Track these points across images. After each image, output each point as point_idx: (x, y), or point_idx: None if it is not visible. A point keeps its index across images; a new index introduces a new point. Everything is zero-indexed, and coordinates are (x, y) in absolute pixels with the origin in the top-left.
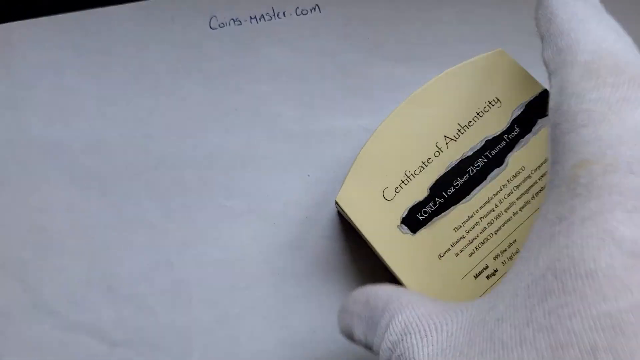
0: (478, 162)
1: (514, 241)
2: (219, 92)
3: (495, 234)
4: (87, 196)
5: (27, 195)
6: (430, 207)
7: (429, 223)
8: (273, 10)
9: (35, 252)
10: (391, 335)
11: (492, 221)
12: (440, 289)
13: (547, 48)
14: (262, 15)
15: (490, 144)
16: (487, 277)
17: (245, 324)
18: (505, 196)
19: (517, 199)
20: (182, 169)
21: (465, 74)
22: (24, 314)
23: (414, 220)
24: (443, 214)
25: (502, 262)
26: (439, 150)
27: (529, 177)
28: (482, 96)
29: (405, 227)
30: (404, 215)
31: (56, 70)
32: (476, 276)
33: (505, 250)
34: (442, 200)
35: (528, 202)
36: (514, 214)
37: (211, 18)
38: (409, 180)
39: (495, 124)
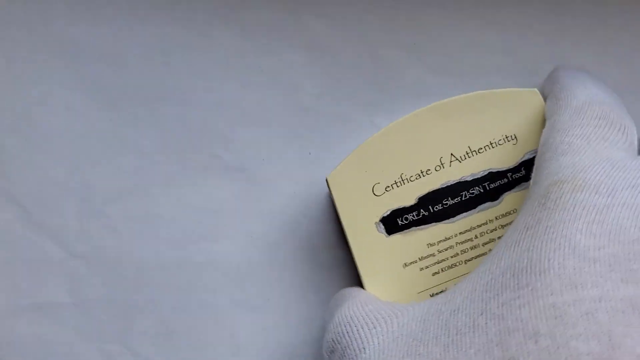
0: (474, 190)
1: None
2: (251, 46)
3: (465, 263)
4: (90, 105)
5: (29, 84)
6: (413, 216)
7: (406, 230)
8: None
9: (21, 142)
10: (336, 327)
11: (466, 250)
12: (393, 295)
13: (549, 101)
14: None
15: (492, 176)
16: None
17: (204, 274)
18: (488, 231)
19: (499, 237)
20: (188, 107)
21: (493, 101)
22: None
23: (393, 222)
24: (422, 226)
25: None
26: (441, 166)
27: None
28: (501, 128)
29: (382, 227)
30: (385, 215)
31: None
32: (432, 295)
33: None
34: (426, 213)
35: None
36: (490, 250)
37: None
38: (402, 183)
39: (505, 159)
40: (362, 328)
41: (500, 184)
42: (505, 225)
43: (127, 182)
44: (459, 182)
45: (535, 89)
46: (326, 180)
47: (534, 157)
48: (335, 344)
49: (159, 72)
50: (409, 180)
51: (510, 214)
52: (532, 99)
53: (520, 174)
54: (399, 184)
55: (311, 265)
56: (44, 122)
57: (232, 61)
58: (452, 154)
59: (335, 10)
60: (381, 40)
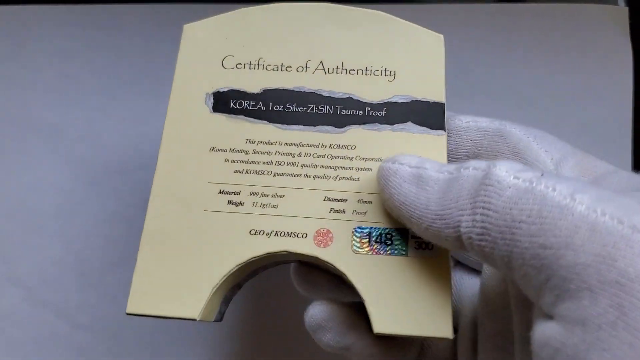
0: (323, 108)
1: (282, 196)
2: None
3: (273, 176)
4: (76, 184)
5: (21, 173)
6: (249, 104)
7: (234, 115)
8: None
9: (19, 228)
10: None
11: (282, 163)
12: (182, 173)
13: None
14: None
15: (349, 103)
16: (229, 202)
17: None
18: (315, 155)
19: (321, 166)
20: None
21: (390, 28)
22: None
23: (225, 101)
24: (252, 119)
25: (253, 203)
26: (304, 68)
27: (350, 159)
28: (384, 58)
29: (212, 100)
30: (221, 89)
31: (64, 58)
32: (221, 192)
33: (266, 196)
34: (263, 108)
35: (326, 177)
36: (306, 175)
37: None
38: (255, 67)
39: (371, 91)
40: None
41: (352, 114)
42: (336, 157)
43: (118, 251)
44: (313, 92)
45: (441, 35)
46: (183, 29)
47: (401, 103)
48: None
49: (135, 142)
50: (265, 67)
51: (347, 147)
52: (432, 43)
53: (378, 113)
54: (252, 66)
55: None
56: (37, 206)
57: None
58: (321, 62)
59: None
60: None
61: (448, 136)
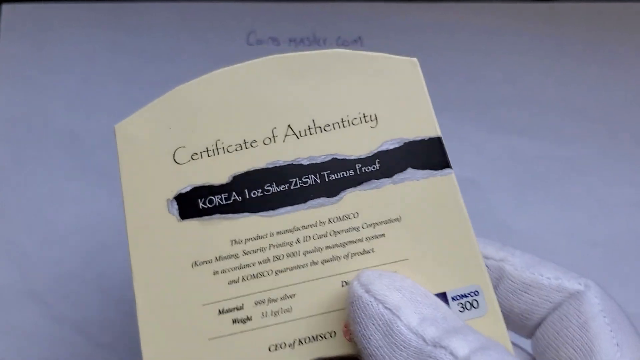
0: (308, 178)
1: (293, 296)
2: None
3: (276, 274)
4: (97, 193)
5: (38, 181)
6: (221, 199)
7: (207, 217)
8: (314, 36)
9: (38, 241)
10: None
11: (281, 257)
12: (170, 303)
13: None
14: (302, 39)
15: (335, 164)
16: (234, 320)
17: None
18: (315, 236)
19: (327, 247)
20: None
21: (355, 66)
22: (17, 299)
23: (192, 203)
24: (230, 215)
25: (262, 314)
26: (272, 139)
27: (357, 229)
28: (359, 103)
29: (176, 206)
30: (183, 190)
31: (88, 61)
32: (221, 312)
33: (274, 301)
34: (239, 199)
35: (337, 258)
36: (313, 263)
37: (250, 34)
38: (215, 153)
39: (356, 144)
40: None
41: (343, 177)
42: (340, 232)
43: None
44: (292, 164)
45: (414, 59)
46: (114, 130)
47: (393, 149)
48: None
49: None
50: (226, 150)
51: (349, 217)
52: (407, 70)
53: (371, 168)
54: (211, 152)
55: None
56: (56, 217)
57: None
58: (289, 126)
59: None
60: None
61: (525, 293)
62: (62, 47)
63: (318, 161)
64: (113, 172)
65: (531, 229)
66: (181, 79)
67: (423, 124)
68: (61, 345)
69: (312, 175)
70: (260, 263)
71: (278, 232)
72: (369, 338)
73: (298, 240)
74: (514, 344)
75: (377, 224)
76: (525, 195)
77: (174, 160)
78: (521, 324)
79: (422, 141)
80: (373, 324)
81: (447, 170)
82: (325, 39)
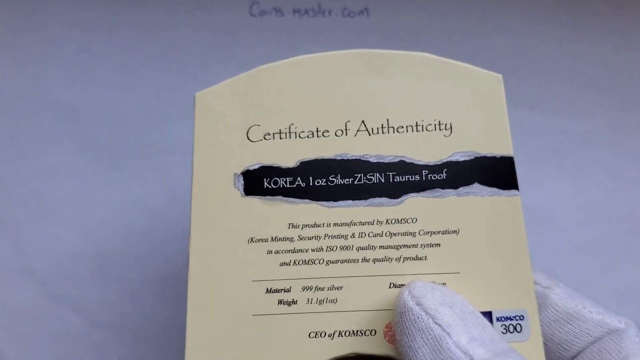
0: (372, 176)
1: (340, 288)
2: None
3: (327, 264)
4: (94, 168)
5: (33, 156)
6: (286, 181)
7: (269, 197)
8: (319, 7)
9: (33, 216)
10: None
11: (334, 248)
12: (220, 274)
13: None
14: (307, 10)
15: (402, 167)
16: (280, 301)
17: None
18: (371, 234)
19: (381, 247)
20: None
21: (440, 73)
22: (11, 277)
23: (257, 181)
24: (292, 199)
25: (308, 300)
26: (344, 131)
27: (412, 234)
28: (436, 110)
29: (242, 182)
30: (251, 167)
31: (85, 31)
32: (268, 291)
33: (321, 289)
34: (302, 184)
35: (388, 259)
36: (364, 260)
37: (253, 4)
38: (287, 136)
39: (426, 150)
40: None
41: (408, 180)
42: (396, 234)
43: (142, 244)
44: (359, 159)
45: (499, 75)
46: (194, 99)
47: (463, 161)
48: None
49: (159, 124)
50: (298, 135)
51: (407, 221)
52: (490, 85)
53: (438, 177)
54: (283, 135)
55: None
56: (52, 192)
57: None
58: (363, 122)
59: (332, 38)
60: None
61: (567, 323)
62: (59, 17)
63: (386, 161)
64: (111, 146)
65: (544, 204)
66: (181, 51)
67: (497, 141)
68: (58, 325)
69: (378, 174)
70: (313, 250)
71: (335, 224)
72: (416, 350)
73: (353, 235)
74: None
75: (434, 233)
76: (538, 170)
77: (247, 137)
78: (559, 353)
79: (494, 158)
80: (422, 338)
81: (513, 192)
82: (331, 10)
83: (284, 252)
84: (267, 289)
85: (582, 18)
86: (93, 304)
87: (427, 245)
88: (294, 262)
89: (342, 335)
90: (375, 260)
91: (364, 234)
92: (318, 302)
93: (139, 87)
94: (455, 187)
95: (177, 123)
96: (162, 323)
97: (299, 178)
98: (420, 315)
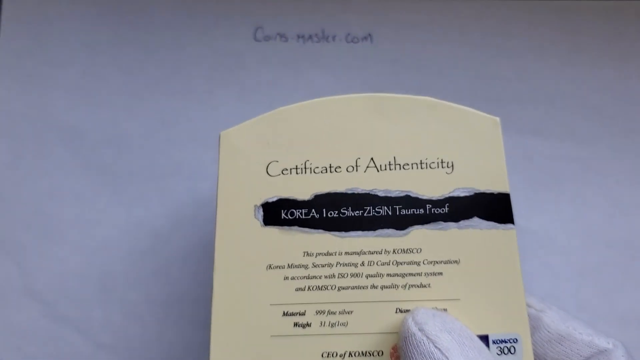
0: (380, 209)
1: (350, 312)
2: (252, 108)
3: (338, 290)
4: (98, 190)
5: (38, 177)
6: (301, 213)
7: (287, 227)
8: (323, 32)
9: (37, 237)
10: None
11: (345, 275)
12: (240, 296)
13: None
14: (311, 35)
15: (408, 201)
16: (295, 324)
17: None
18: (379, 263)
19: (388, 274)
20: (198, 181)
21: (442, 115)
22: (15, 298)
23: (275, 212)
24: (307, 229)
25: (321, 323)
26: (355, 168)
27: (417, 264)
28: (439, 149)
29: (261, 213)
30: (270, 200)
31: (89, 54)
32: (285, 314)
33: (333, 313)
34: (316, 216)
35: (395, 286)
36: (373, 287)
37: (257, 29)
38: (303, 172)
39: (430, 186)
40: None
41: (413, 214)
42: (402, 263)
43: (145, 265)
44: (369, 193)
45: (497, 118)
46: (219, 137)
47: (464, 197)
48: None
49: (163, 147)
50: (313, 171)
51: (412, 252)
52: (489, 127)
53: (440, 210)
54: (299, 170)
55: None
56: (56, 214)
57: (236, 123)
58: (372, 159)
59: (335, 64)
60: (385, 86)
61: (559, 344)
62: (63, 40)
63: (393, 195)
64: (115, 168)
65: (545, 229)
66: (185, 75)
67: (495, 179)
68: (61, 345)
69: (385, 207)
70: (326, 277)
71: (346, 252)
72: None
73: (363, 263)
74: None
75: (437, 262)
76: (539, 196)
77: (267, 172)
78: None
79: (492, 194)
80: None
81: (509, 226)
82: (335, 35)
83: (299, 278)
84: (284, 312)
85: (584, 44)
86: (96, 325)
87: (431, 273)
88: (309, 287)
89: (352, 356)
90: (382, 287)
91: (372, 263)
92: (330, 325)
93: (143, 109)
94: (457, 220)
95: (180, 146)
96: (165, 344)
97: (313, 210)
98: (422, 340)
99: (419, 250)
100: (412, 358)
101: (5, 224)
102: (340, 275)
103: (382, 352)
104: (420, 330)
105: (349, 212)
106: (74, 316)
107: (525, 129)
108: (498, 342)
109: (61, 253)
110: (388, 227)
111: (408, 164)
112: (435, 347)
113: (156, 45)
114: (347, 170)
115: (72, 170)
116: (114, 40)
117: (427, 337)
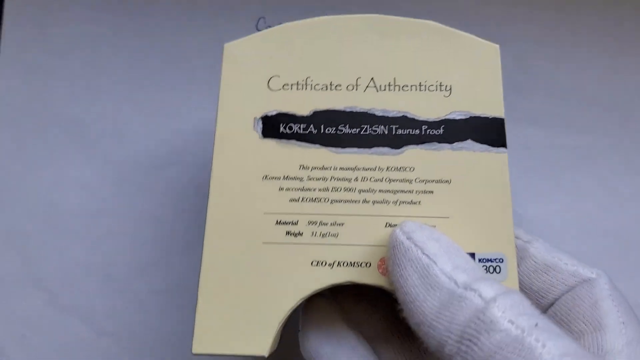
0: (377, 128)
1: (341, 224)
2: None
3: (330, 203)
4: (101, 180)
5: (42, 167)
6: (300, 127)
7: (285, 140)
8: None
9: (41, 227)
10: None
11: (338, 189)
12: (236, 204)
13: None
14: None
15: (404, 121)
16: (287, 232)
17: None
18: (372, 179)
19: (380, 190)
20: (201, 170)
21: (443, 40)
22: (19, 287)
23: (274, 126)
24: (304, 143)
25: (312, 233)
26: (355, 87)
27: (409, 181)
28: (438, 73)
29: (260, 125)
30: (270, 113)
31: (92, 44)
32: (278, 222)
33: (325, 224)
34: (314, 131)
35: (386, 202)
36: (365, 201)
37: (260, 19)
38: (303, 87)
39: (427, 108)
40: None
41: (409, 134)
42: (394, 180)
43: (148, 255)
44: (366, 112)
45: (497, 45)
46: (222, 49)
47: (459, 119)
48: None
49: (166, 137)
50: (313, 87)
51: (405, 169)
52: (489, 54)
53: (435, 132)
54: (300, 86)
55: None
56: (60, 204)
57: None
58: (372, 79)
59: None
60: None
61: (544, 273)
62: (65, 31)
63: (390, 115)
64: (118, 158)
65: (542, 218)
66: (188, 65)
67: (491, 104)
68: (65, 334)
69: (382, 126)
70: (320, 190)
71: (341, 168)
72: (407, 278)
73: (356, 179)
74: None
75: (429, 181)
76: (536, 185)
77: (268, 86)
78: (537, 301)
79: (487, 118)
80: (411, 267)
81: (502, 149)
82: None
83: (294, 189)
84: (277, 220)
85: (582, 34)
86: (100, 314)
87: (422, 192)
88: (302, 199)
89: (340, 266)
90: (374, 202)
91: (365, 179)
92: (321, 235)
93: (146, 100)
94: (451, 142)
95: (183, 136)
96: (167, 332)
97: (311, 125)
98: (410, 247)
99: (412, 169)
100: (401, 265)
101: (9, 214)
102: (334, 189)
103: (370, 264)
104: (409, 238)
105: (346, 130)
106: (77, 305)
107: (523, 118)
108: (484, 260)
109: (65, 242)
110: (384, 146)
111: (407, 86)
112: (423, 253)
113: (158, 36)
114: (347, 89)
115: (75, 160)
116: (116, 31)
117: (415, 244)
